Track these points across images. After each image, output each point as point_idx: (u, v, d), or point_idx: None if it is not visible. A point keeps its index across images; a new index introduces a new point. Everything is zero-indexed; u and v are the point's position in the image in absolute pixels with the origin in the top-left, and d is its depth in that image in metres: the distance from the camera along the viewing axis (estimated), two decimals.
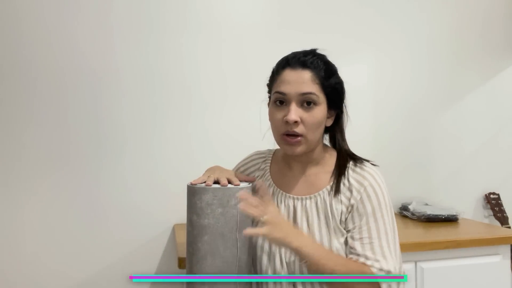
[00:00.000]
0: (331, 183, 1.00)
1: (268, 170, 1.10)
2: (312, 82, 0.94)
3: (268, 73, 1.05)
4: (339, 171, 1.00)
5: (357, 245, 0.93)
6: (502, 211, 2.10)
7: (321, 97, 0.95)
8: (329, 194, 0.99)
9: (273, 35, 1.90)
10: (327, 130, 1.04)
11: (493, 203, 2.13)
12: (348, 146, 1.05)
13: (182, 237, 1.47)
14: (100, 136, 1.75)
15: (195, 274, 0.95)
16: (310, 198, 1.00)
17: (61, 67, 1.71)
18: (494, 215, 2.11)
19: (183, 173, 1.78)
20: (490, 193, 2.16)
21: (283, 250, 0.98)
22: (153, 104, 1.80)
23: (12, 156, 1.67)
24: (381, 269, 0.90)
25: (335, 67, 1.00)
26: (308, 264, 0.88)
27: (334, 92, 0.97)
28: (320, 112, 0.95)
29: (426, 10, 2.11)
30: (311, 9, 1.96)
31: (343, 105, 1.02)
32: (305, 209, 1.00)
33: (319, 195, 1.00)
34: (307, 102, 0.94)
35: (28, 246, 1.69)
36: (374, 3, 2.03)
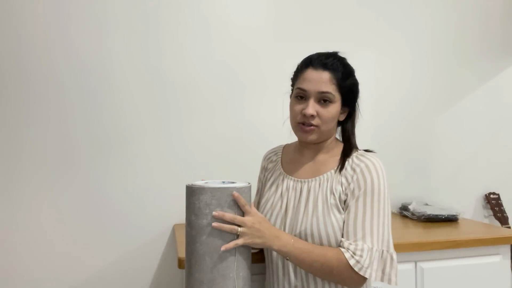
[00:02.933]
0: (336, 166, 1.10)
1: (280, 161, 1.23)
2: (330, 83, 1.05)
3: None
4: (344, 154, 1.11)
5: (344, 225, 1.03)
6: (502, 211, 2.10)
7: (336, 96, 1.07)
8: (333, 175, 1.09)
9: (276, 36, 1.90)
10: (339, 124, 1.16)
11: (493, 203, 2.13)
12: (355, 140, 1.16)
13: (182, 237, 1.47)
14: (100, 137, 1.75)
15: (193, 274, 0.95)
16: (316, 179, 1.11)
17: (61, 69, 1.71)
18: (494, 215, 2.10)
19: (183, 173, 1.80)
20: (490, 193, 2.16)
21: (287, 229, 1.09)
22: (153, 104, 1.80)
23: (13, 156, 1.67)
24: (354, 253, 0.98)
25: (353, 69, 1.12)
26: (291, 260, 1.01)
27: (348, 92, 1.09)
28: (334, 108, 1.07)
29: (425, 11, 2.11)
30: (313, 10, 1.96)
31: (356, 103, 1.14)
32: (309, 190, 1.10)
33: (323, 177, 1.10)
34: (323, 100, 1.06)
35: (27, 246, 1.69)
36: (373, 5, 2.03)
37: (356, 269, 0.97)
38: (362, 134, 1.99)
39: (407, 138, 2.09)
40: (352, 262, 0.97)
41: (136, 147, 1.78)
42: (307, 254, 0.99)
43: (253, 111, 1.88)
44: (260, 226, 0.98)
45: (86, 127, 1.74)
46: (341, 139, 1.18)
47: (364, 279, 1.00)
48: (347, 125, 1.16)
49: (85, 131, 1.74)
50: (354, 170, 1.06)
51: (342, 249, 0.99)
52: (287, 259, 1.01)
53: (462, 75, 2.17)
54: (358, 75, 1.05)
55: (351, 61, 1.11)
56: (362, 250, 0.98)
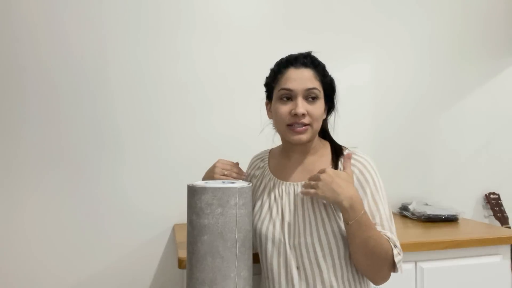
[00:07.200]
0: (330, 168, 1.07)
1: (267, 166, 1.19)
2: (315, 79, 1.06)
3: (266, 73, 1.13)
4: (337, 155, 1.11)
5: None
6: (502, 211, 2.10)
7: (321, 92, 1.07)
8: None
9: (273, 35, 1.91)
10: None
11: (493, 203, 2.13)
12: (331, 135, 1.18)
13: (182, 237, 1.47)
14: (99, 136, 1.75)
15: (195, 274, 0.95)
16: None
17: (57, 67, 1.71)
18: (494, 215, 2.11)
19: (183, 172, 1.80)
20: (490, 193, 2.16)
21: (286, 235, 1.06)
22: (153, 103, 1.80)
23: (10, 157, 1.67)
24: (399, 252, 1.01)
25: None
26: (351, 227, 0.96)
27: (329, 88, 1.11)
28: (321, 105, 1.08)
29: (428, 9, 2.11)
30: (311, 8, 1.96)
31: (335, 99, 1.14)
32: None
33: None
34: (311, 97, 1.05)
35: (27, 246, 1.69)
36: (376, 2, 2.04)
37: (398, 266, 1.00)
38: (362, 134, 2.02)
39: (407, 138, 2.09)
40: (397, 259, 0.99)
41: (136, 146, 1.78)
42: (369, 228, 0.96)
43: (253, 110, 1.87)
44: (334, 182, 0.96)
45: (85, 126, 1.74)
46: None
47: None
48: (326, 123, 1.16)
49: (84, 130, 1.74)
50: (352, 170, 1.06)
51: (391, 242, 1.00)
52: (347, 224, 0.96)
53: (463, 75, 2.17)
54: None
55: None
56: (399, 248, 1.01)
